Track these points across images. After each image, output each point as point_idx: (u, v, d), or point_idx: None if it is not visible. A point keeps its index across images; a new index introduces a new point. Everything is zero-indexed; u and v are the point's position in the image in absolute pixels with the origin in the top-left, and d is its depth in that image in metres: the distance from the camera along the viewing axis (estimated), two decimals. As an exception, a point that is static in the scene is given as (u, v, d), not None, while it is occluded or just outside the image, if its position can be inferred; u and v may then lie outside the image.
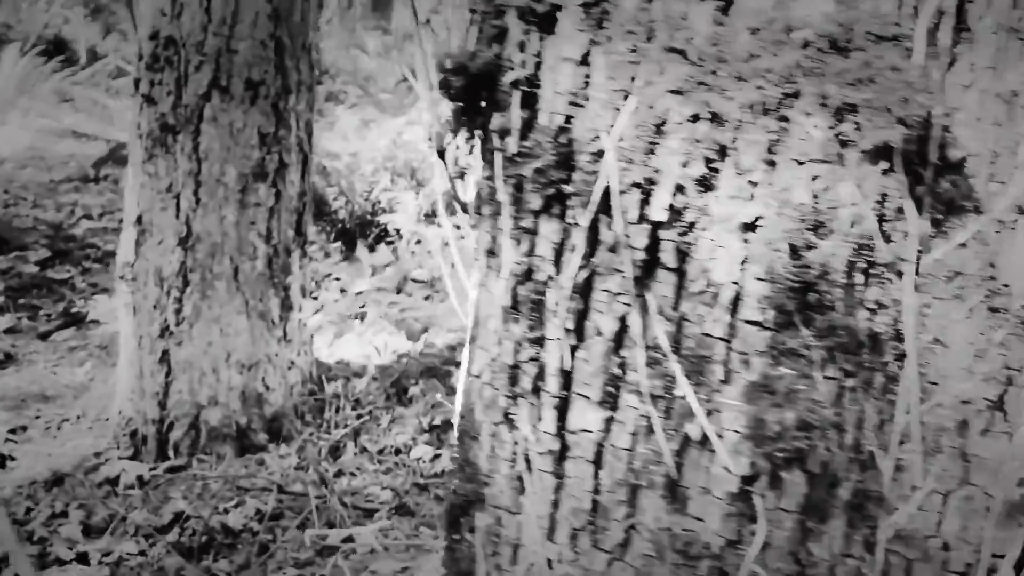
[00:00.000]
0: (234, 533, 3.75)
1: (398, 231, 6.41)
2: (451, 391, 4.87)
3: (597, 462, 1.22)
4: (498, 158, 1.26)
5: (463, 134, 1.39)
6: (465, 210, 1.58)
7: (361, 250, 5.18)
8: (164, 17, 4.14)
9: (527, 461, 1.27)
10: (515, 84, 1.22)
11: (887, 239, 1.12)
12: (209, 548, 3.66)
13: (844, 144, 1.08)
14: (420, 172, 6.84)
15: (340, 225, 6.43)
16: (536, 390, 1.25)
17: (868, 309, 1.13)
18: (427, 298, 5.31)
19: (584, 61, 1.16)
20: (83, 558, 3.51)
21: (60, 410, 4.63)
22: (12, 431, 4.35)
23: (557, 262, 1.21)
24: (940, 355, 1.16)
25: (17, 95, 8.34)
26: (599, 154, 1.15)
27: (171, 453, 4.18)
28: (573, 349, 1.21)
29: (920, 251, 1.14)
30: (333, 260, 4.93)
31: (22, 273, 5.89)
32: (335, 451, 4.39)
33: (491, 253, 1.33)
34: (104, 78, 10.11)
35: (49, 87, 9.18)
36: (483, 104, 1.29)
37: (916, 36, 1.09)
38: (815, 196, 1.09)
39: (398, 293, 4.76)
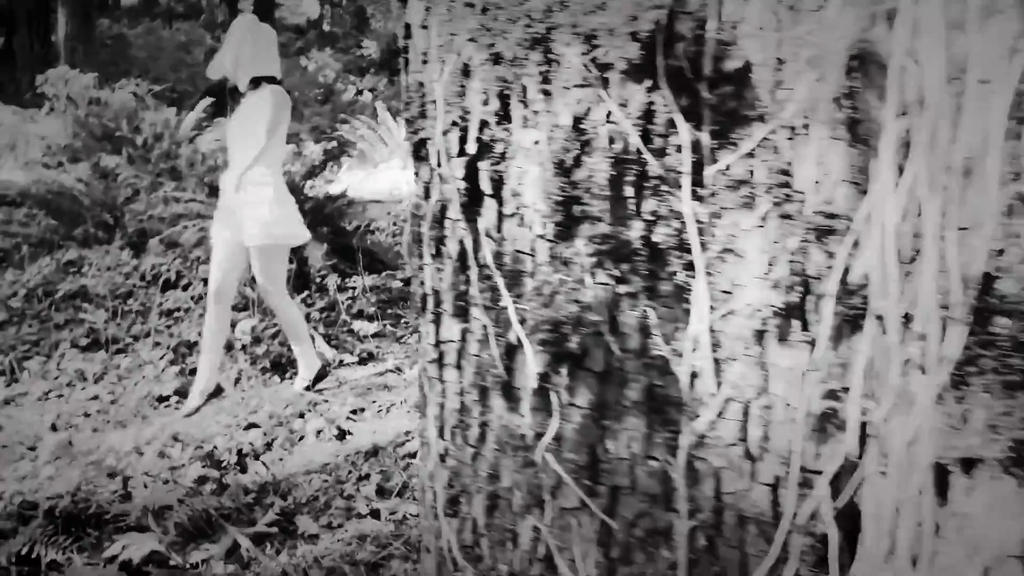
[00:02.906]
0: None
1: None
2: None
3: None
4: None
5: None
6: None
7: None
8: None
9: None
10: None
11: (660, 154, 1.18)
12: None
13: (604, 68, 1.18)
14: None
15: None
16: None
17: (645, 220, 1.20)
18: None
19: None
20: (376, 514, 4.16)
21: (393, 398, 5.46)
22: (353, 411, 5.23)
23: None
24: (732, 264, 1.18)
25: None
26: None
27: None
28: None
29: (700, 162, 1.18)
30: None
31: (391, 288, 6.96)
32: None
33: None
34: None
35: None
36: None
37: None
38: (578, 118, 1.20)
39: None
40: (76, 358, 6.03)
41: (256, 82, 4.68)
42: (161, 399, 5.66)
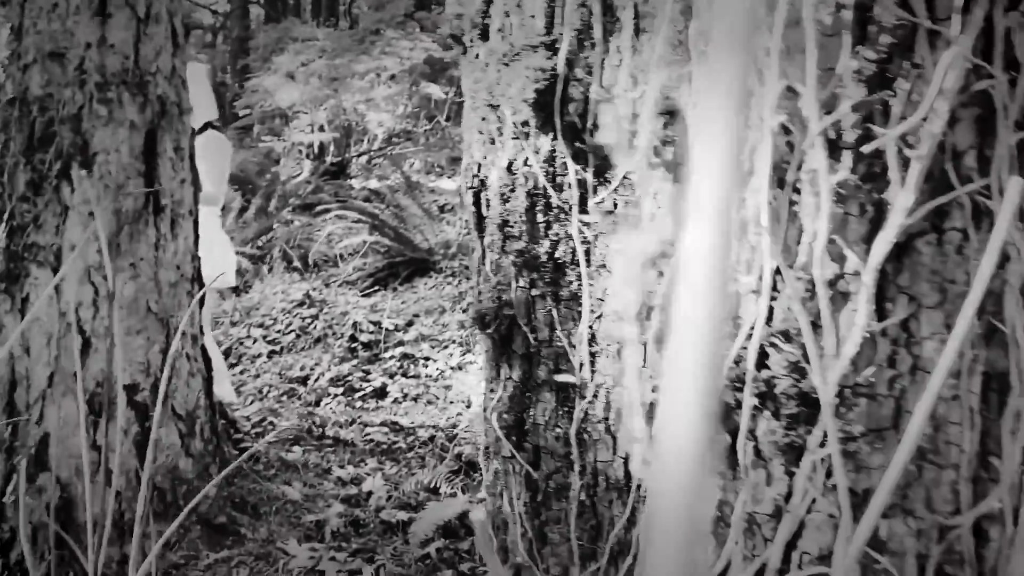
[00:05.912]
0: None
1: None
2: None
3: None
4: None
5: None
6: None
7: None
8: None
9: None
10: None
11: (559, 188, 1.51)
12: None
13: (525, 124, 1.55)
14: None
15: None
16: None
17: (551, 240, 1.53)
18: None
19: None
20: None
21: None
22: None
23: None
24: (605, 277, 1.47)
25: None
26: None
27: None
28: None
29: (583, 194, 1.49)
30: None
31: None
32: None
33: None
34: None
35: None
36: None
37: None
38: (510, 163, 1.57)
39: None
40: (512, 338, 7.19)
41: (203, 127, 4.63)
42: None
